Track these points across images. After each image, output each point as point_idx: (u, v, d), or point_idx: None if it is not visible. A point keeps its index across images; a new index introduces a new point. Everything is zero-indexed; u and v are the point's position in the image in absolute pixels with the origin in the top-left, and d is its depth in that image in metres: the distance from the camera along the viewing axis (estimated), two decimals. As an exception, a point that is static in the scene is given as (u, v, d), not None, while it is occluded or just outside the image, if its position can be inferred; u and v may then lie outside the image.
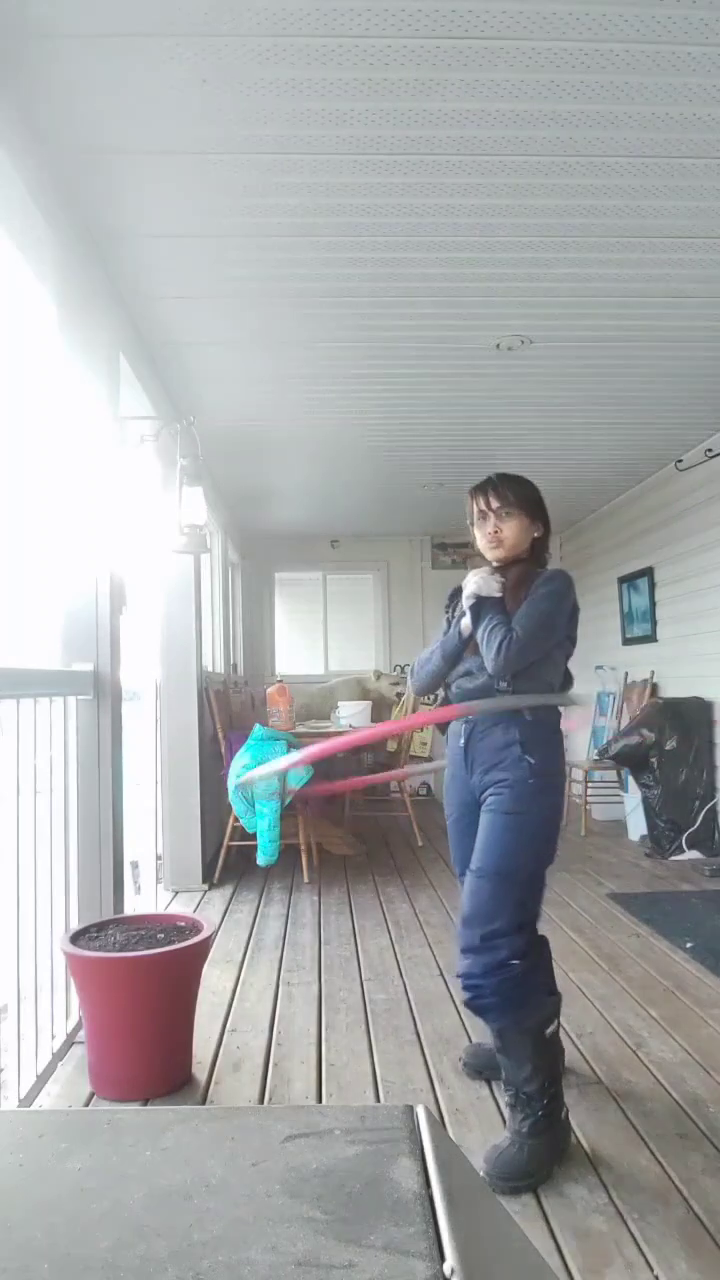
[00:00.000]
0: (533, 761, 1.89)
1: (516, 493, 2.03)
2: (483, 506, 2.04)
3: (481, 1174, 1.70)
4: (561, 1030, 1.98)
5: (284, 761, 2.18)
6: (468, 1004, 1.86)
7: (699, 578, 5.09)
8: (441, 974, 2.95)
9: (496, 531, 2.02)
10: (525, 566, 2.03)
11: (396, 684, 6.61)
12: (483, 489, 2.05)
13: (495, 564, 2.06)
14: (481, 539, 2.06)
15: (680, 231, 2.67)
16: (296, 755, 2.16)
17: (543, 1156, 1.75)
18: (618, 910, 3.74)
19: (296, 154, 2.26)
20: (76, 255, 2.55)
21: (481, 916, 1.84)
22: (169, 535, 3.71)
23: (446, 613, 2.16)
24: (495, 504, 2.02)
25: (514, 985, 1.81)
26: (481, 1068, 2.18)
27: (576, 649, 2.08)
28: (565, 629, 1.98)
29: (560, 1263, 1.47)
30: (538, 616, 1.91)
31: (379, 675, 6.77)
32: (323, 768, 4.71)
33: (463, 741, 1.99)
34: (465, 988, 1.85)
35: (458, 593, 2.09)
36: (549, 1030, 1.84)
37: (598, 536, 6.83)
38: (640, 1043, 2.38)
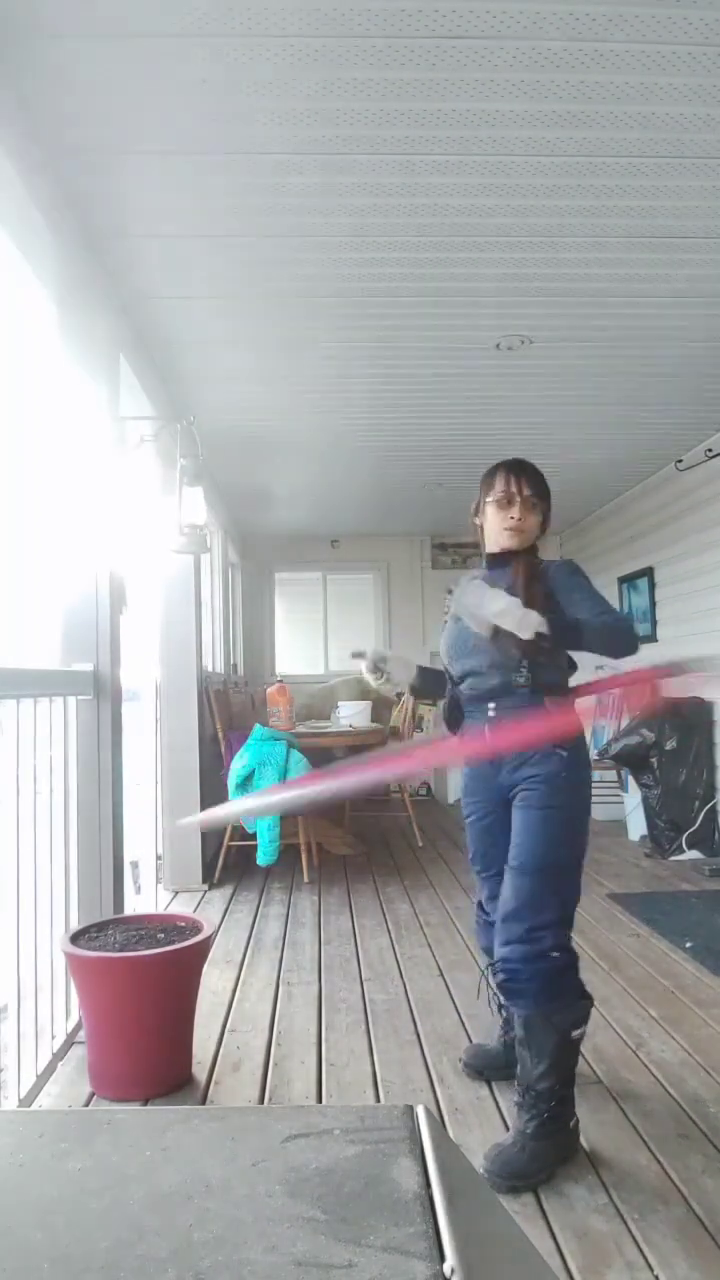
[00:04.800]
0: (564, 754, 1.87)
1: (540, 487, 1.98)
2: (512, 489, 1.96)
3: (480, 1170, 1.70)
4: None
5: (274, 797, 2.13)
6: (502, 985, 1.84)
7: (699, 578, 5.08)
8: (441, 974, 2.95)
9: (520, 520, 1.96)
10: (530, 560, 1.98)
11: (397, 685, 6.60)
12: (515, 470, 1.97)
13: (499, 550, 2.00)
14: (499, 520, 1.97)
15: (680, 231, 2.67)
16: (290, 795, 2.13)
17: (543, 1160, 1.74)
18: (618, 910, 3.74)
19: (296, 154, 2.26)
20: (76, 255, 2.55)
21: (526, 911, 1.82)
22: (169, 535, 3.71)
23: (445, 608, 2.13)
24: (527, 491, 1.96)
25: (552, 977, 1.80)
26: (482, 1068, 2.18)
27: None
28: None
29: (560, 1263, 1.47)
30: (601, 598, 1.92)
31: (379, 676, 6.75)
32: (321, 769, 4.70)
33: (489, 740, 1.96)
34: (502, 970, 1.83)
35: (451, 591, 2.08)
36: (576, 1033, 1.82)
37: (598, 536, 6.83)
38: (640, 1043, 2.38)
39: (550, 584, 1.92)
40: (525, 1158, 1.73)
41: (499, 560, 2.02)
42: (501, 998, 1.97)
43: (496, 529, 1.99)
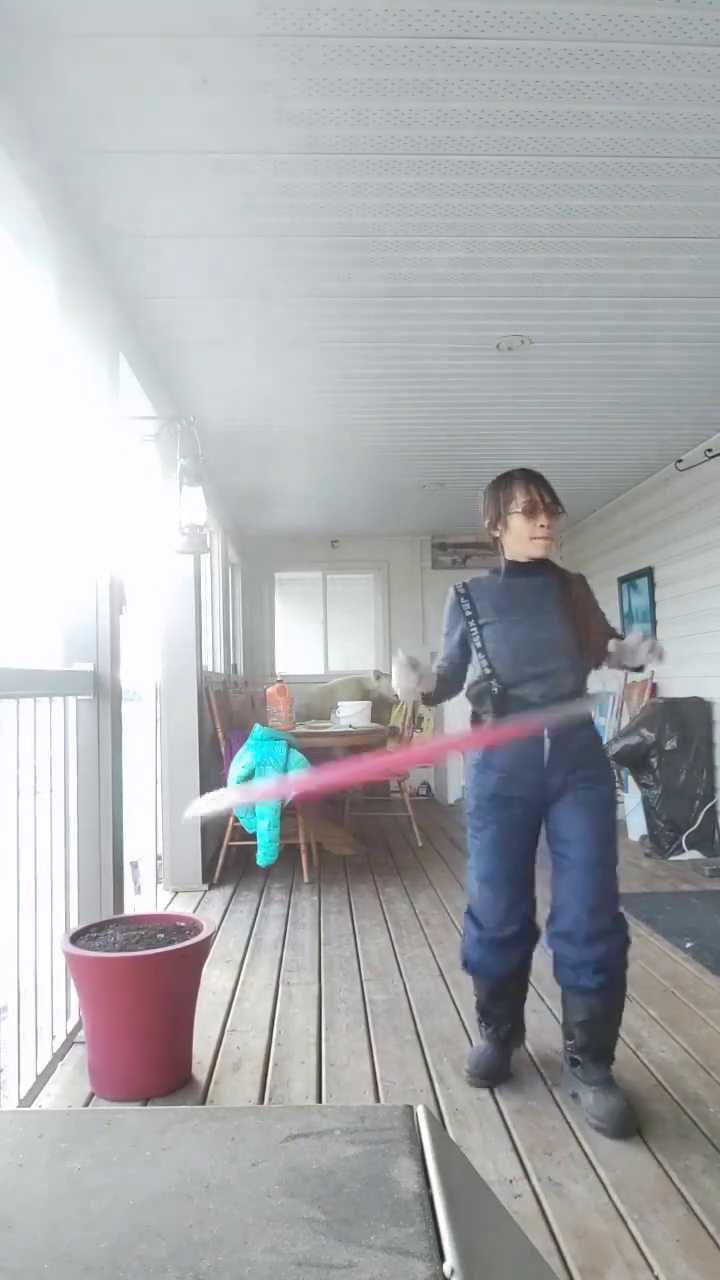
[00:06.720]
0: (610, 761, 2.09)
1: (555, 493, 2.07)
2: (535, 497, 2.02)
3: (597, 1125, 1.87)
4: (561, 1033, 2.09)
5: (269, 788, 2.24)
6: (600, 988, 1.94)
7: (699, 578, 5.08)
8: (441, 974, 2.95)
9: (549, 527, 2.03)
10: (578, 576, 2.14)
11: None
12: (533, 480, 2.05)
13: (525, 560, 2.07)
14: (527, 530, 2.03)
15: (679, 232, 2.67)
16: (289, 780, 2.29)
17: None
18: (618, 910, 3.73)
19: (296, 154, 2.26)
20: (76, 255, 2.55)
21: (610, 900, 2.02)
22: (169, 535, 3.71)
23: (463, 610, 2.11)
24: (548, 498, 2.03)
25: (628, 959, 2.01)
26: (487, 1075, 2.14)
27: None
28: None
29: (560, 1263, 1.47)
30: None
31: (379, 675, 6.76)
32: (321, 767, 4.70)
33: (548, 744, 2.00)
34: (597, 970, 1.93)
35: (465, 593, 2.10)
36: None
37: (598, 536, 6.83)
38: (640, 1043, 2.38)
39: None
40: (626, 1102, 1.91)
41: (526, 569, 2.09)
42: (583, 1001, 2.01)
43: (523, 538, 2.05)
